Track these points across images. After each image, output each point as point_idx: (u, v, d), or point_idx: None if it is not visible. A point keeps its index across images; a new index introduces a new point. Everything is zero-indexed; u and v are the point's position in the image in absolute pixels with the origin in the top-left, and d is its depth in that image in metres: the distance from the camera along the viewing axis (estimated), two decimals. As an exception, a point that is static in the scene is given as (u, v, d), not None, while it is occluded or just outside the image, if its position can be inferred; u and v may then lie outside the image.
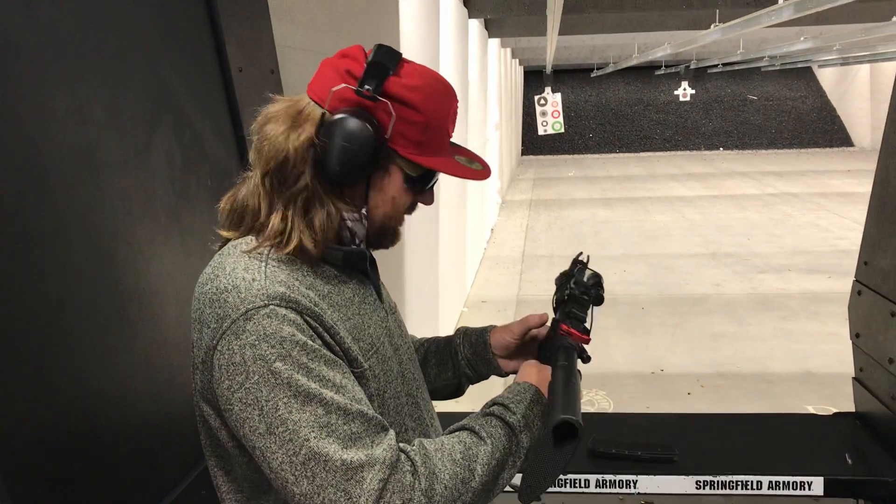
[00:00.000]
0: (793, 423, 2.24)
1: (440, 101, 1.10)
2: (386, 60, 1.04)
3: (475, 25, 8.63)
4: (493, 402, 1.14)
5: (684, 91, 19.01)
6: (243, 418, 0.94)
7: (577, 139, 24.51)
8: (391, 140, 1.05)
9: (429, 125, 1.08)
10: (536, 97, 18.14)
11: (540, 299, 7.71)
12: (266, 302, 0.96)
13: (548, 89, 18.30)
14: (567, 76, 23.65)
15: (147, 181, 1.44)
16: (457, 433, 1.08)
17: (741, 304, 7.28)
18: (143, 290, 1.40)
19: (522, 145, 23.57)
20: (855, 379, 2.24)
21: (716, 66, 19.72)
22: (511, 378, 1.30)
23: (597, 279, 1.32)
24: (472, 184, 8.15)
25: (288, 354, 0.94)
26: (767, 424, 2.23)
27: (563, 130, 18.99)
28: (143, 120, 1.42)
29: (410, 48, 4.49)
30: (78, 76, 1.23)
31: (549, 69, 16.03)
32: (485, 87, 10.03)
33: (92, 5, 1.28)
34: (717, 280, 8.21)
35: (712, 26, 7.98)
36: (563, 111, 22.10)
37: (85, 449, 1.20)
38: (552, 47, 9.28)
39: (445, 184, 6.06)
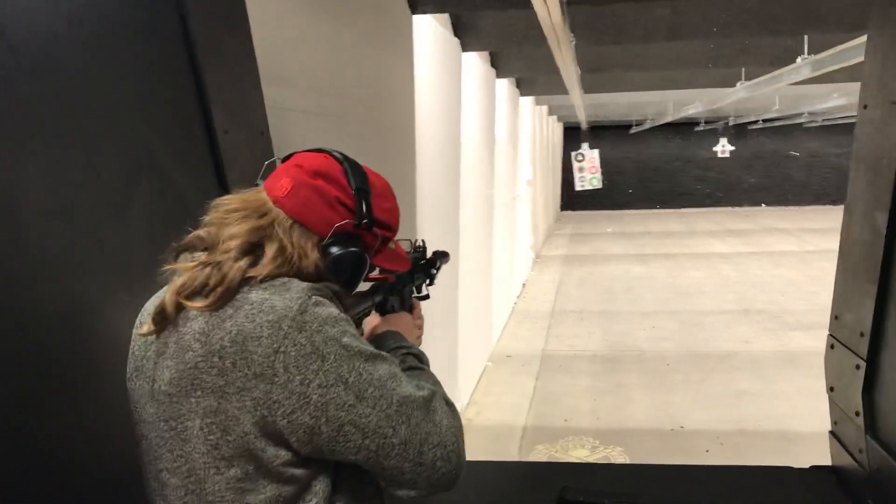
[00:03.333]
0: (768, 476, 2.26)
1: (398, 211, 1.34)
2: (363, 183, 1.25)
3: (504, 84, 8.83)
4: (396, 348, 1.37)
5: (723, 148, 18.99)
6: (326, 402, 1.06)
7: (616, 195, 24.49)
8: (373, 256, 1.29)
9: (395, 234, 1.35)
10: (573, 153, 18.33)
11: (565, 354, 7.73)
12: (309, 294, 1.11)
13: (585, 145, 18.46)
14: (606, 132, 23.76)
15: (125, 237, 1.57)
16: (412, 371, 1.29)
17: (768, 361, 7.20)
18: (120, 344, 1.51)
19: (562, 201, 23.65)
20: (831, 433, 2.26)
21: (755, 122, 19.68)
22: None
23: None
24: (497, 239, 8.26)
25: (346, 330, 1.11)
26: (743, 476, 2.25)
27: (601, 186, 19.07)
28: (122, 180, 1.56)
29: (427, 112, 4.63)
30: (55, 140, 1.37)
31: (583, 126, 16.18)
32: (515, 145, 10.20)
33: (73, 73, 1.43)
34: (746, 337, 8.13)
35: (738, 84, 8.06)
36: (603, 167, 22.18)
37: None
38: (581, 105, 9.42)
39: (466, 239, 6.17)
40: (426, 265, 1.68)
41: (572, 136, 23.26)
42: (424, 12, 4.39)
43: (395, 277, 1.54)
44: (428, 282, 1.69)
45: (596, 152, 18.28)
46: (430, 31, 4.74)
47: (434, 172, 4.92)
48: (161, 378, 1.13)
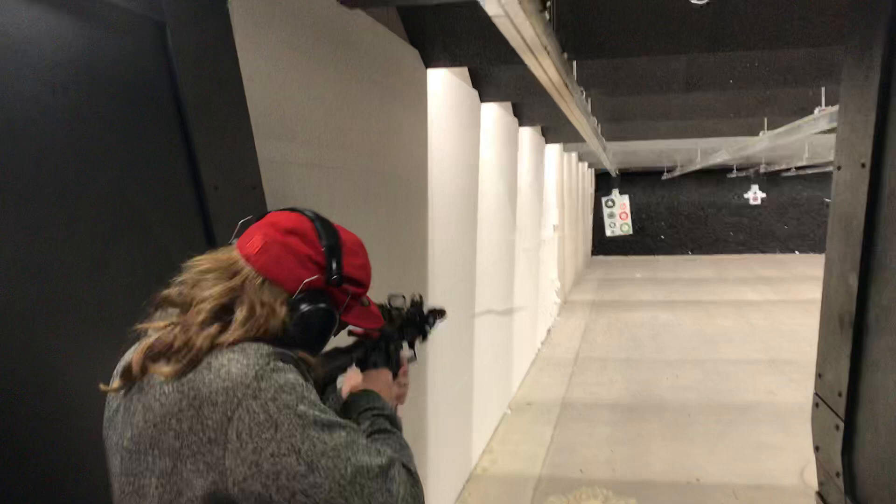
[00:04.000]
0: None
1: (369, 268, 1.38)
2: (334, 240, 1.29)
3: (528, 132, 8.92)
4: (368, 409, 1.39)
5: (754, 195, 18.87)
6: (278, 471, 1.06)
7: (648, 241, 24.41)
8: (343, 312, 1.32)
9: (366, 292, 1.38)
10: (604, 199, 18.35)
11: (586, 402, 7.67)
12: (268, 360, 1.13)
13: (615, 191, 18.50)
14: (638, 178, 23.76)
15: (103, 292, 1.63)
16: (379, 434, 1.32)
17: (792, 413, 7.07)
18: (94, 397, 1.56)
19: (593, 246, 23.60)
20: (817, 493, 2.24)
21: (788, 169, 19.54)
22: None
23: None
24: (519, 285, 8.27)
25: (302, 397, 1.11)
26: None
27: (631, 232, 19.06)
28: (101, 236, 1.64)
29: (441, 161, 4.72)
30: (32, 198, 1.45)
31: (613, 172, 16.20)
32: (540, 191, 10.25)
33: (55, 135, 1.51)
34: (771, 387, 8.00)
35: (760, 133, 8.06)
36: (635, 213, 22.20)
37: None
38: (604, 152, 9.47)
39: (484, 285, 6.20)
40: (420, 322, 1.69)
41: (604, 181, 23.34)
42: (439, 66, 4.49)
43: (379, 333, 1.57)
44: (421, 338, 1.70)
45: (626, 198, 18.30)
46: (445, 83, 4.85)
47: (448, 220, 4.98)
48: (125, 434, 1.18)
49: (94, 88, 1.62)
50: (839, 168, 1.90)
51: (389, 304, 1.65)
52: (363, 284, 1.37)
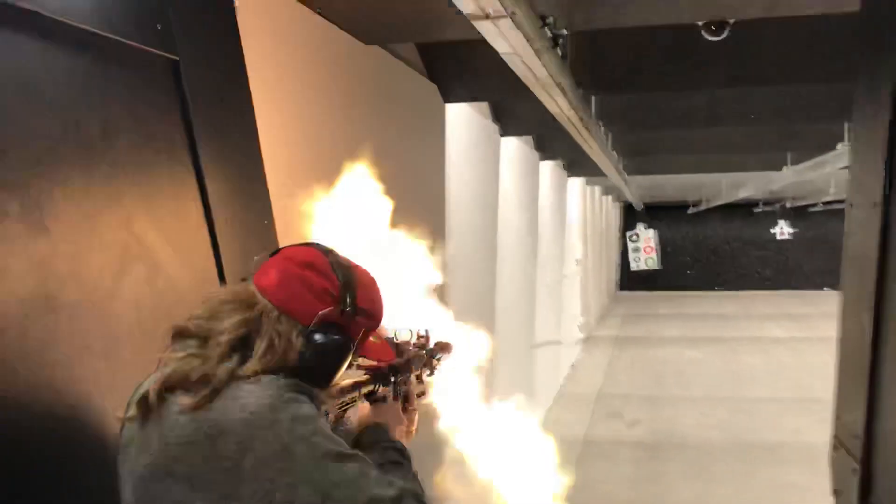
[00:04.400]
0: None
1: (382, 302, 1.40)
2: (350, 276, 1.32)
3: (549, 167, 8.92)
4: (378, 441, 1.41)
5: (781, 230, 18.69)
6: (291, 500, 1.09)
7: (674, 276, 24.15)
8: (356, 345, 1.34)
9: (378, 325, 1.40)
10: (629, 233, 18.30)
11: (608, 440, 7.57)
12: (282, 392, 1.15)
13: (640, 225, 18.41)
14: (664, 212, 23.64)
15: (112, 325, 1.64)
16: (390, 465, 1.33)
17: (820, 453, 6.86)
18: (104, 428, 1.56)
19: (619, 281, 23.44)
20: (837, 539, 2.17)
21: (815, 204, 19.35)
22: None
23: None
24: (541, 320, 8.22)
25: (316, 428, 1.13)
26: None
27: (657, 267, 18.94)
28: (109, 270, 1.65)
29: (459, 195, 4.72)
30: (43, 233, 1.47)
31: (637, 206, 16.15)
32: (561, 225, 10.23)
33: (64, 172, 1.53)
34: (798, 427, 7.84)
35: (784, 168, 8.00)
36: (660, 247, 22.02)
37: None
38: (626, 186, 9.45)
39: (503, 321, 6.17)
40: (426, 356, 1.71)
41: (630, 215, 23.25)
42: (457, 101, 4.52)
43: (388, 367, 1.58)
44: (428, 373, 1.71)
45: (651, 232, 18.23)
46: (465, 117, 4.87)
47: (466, 254, 4.98)
48: (140, 462, 1.19)
49: (107, 125, 1.64)
50: (852, 206, 1.87)
51: (396, 338, 1.65)
52: (376, 318, 1.39)
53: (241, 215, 2.14)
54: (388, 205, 3.57)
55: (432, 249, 4.27)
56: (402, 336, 1.67)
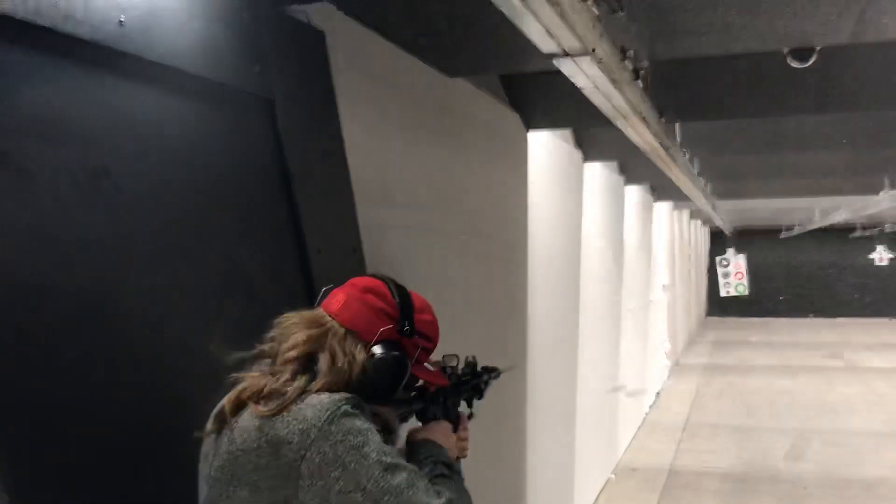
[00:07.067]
0: None
1: (437, 325, 1.53)
2: (406, 299, 1.46)
3: (635, 190, 8.86)
4: (429, 456, 1.48)
5: (880, 255, 17.93)
6: None
7: (766, 302, 23.41)
8: (413, 364, 1.45)
9: (434, 347, 1.53)
10: (718, 258, 17.82)
11: (694, 470, 7.41)
12: (339, 405, 1.26)
13: (730, 250, 17.92)
14: (755, 237, 22.99)
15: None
16: (439, 478, 1.41)
17: (921, 490, 6.61)
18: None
19: (708, 307, 22.86)
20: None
21: (917, 229, 18.50)
22: None
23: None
24: (626, 346, 8.14)
25: (368, 440, 1.24)
26: None
27: (747, 293, 18.35)
28: (213, 297, 1.78)
29: (542, 221, 4.76)
30: (148, 260, 1.59)
31: (726, 230, 15.77)
32: (648, 249, 10.12)
33: (170, 206, 1.67)
34: (897, 462, 7.52)
35: (881, 193, 7.73)
36: (751, 273, 21.35)
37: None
38: (713, 211, 9.28)
39: (587, 346, 6.15)
40: (474, 380, 1.78)
41: (719, 240, 22.70)
42: (540, 128, 4.57)
43: (436, 389, 1.66)
44: (477, 396, 1.78)
45: (742, 257, 17.70)
46: (547, 144, 4.92)
47: (549, 278, 5.00)
48: (213, 465, 1.33)
49: (208, 162, 1.78)
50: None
51: (444, 363, 1.73)
52: (432, 339, 1.53)
53: (331, 245, 2.25)
54: (472, 232, 3.65)
55: (515, 273, 4.34)
56: (450, 362, 1.75)
